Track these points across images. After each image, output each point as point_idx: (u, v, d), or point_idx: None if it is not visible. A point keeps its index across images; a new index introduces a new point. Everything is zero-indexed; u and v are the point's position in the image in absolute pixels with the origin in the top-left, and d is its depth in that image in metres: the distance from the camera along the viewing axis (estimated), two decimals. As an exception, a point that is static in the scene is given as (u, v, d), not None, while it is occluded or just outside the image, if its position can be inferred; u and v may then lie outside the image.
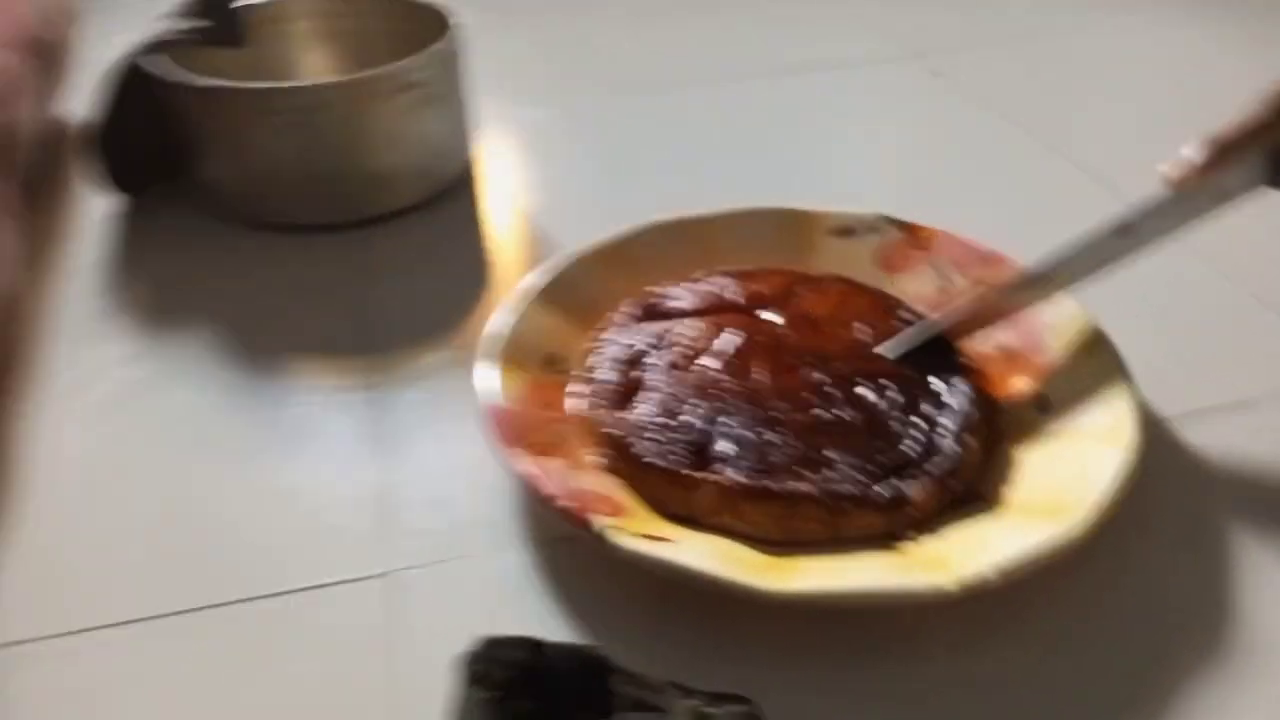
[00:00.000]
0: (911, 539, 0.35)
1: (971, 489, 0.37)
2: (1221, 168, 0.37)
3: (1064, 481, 0.35)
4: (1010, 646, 0.33)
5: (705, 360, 0.41)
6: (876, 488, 0.35)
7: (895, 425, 0.38)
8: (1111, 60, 0.80)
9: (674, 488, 0.36)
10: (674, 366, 0.41)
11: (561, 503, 0.34)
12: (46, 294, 0.52)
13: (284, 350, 0.48)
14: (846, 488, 0.35)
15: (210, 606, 0.35)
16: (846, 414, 0.38)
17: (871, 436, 0.37)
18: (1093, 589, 0.35)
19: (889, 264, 0.49)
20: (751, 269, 0.47)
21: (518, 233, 0.58)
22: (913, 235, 0.49)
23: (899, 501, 0.35)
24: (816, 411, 0.38)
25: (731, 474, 0.35)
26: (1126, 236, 0.39)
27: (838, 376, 0.40)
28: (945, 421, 0.38)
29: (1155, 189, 0.38)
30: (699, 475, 0.35)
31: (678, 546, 0.33)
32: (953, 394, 0.39)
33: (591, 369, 0.41)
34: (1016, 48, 0.82)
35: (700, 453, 0.36)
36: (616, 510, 0.35)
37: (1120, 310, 0.42)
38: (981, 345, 0.43)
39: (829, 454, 0.36)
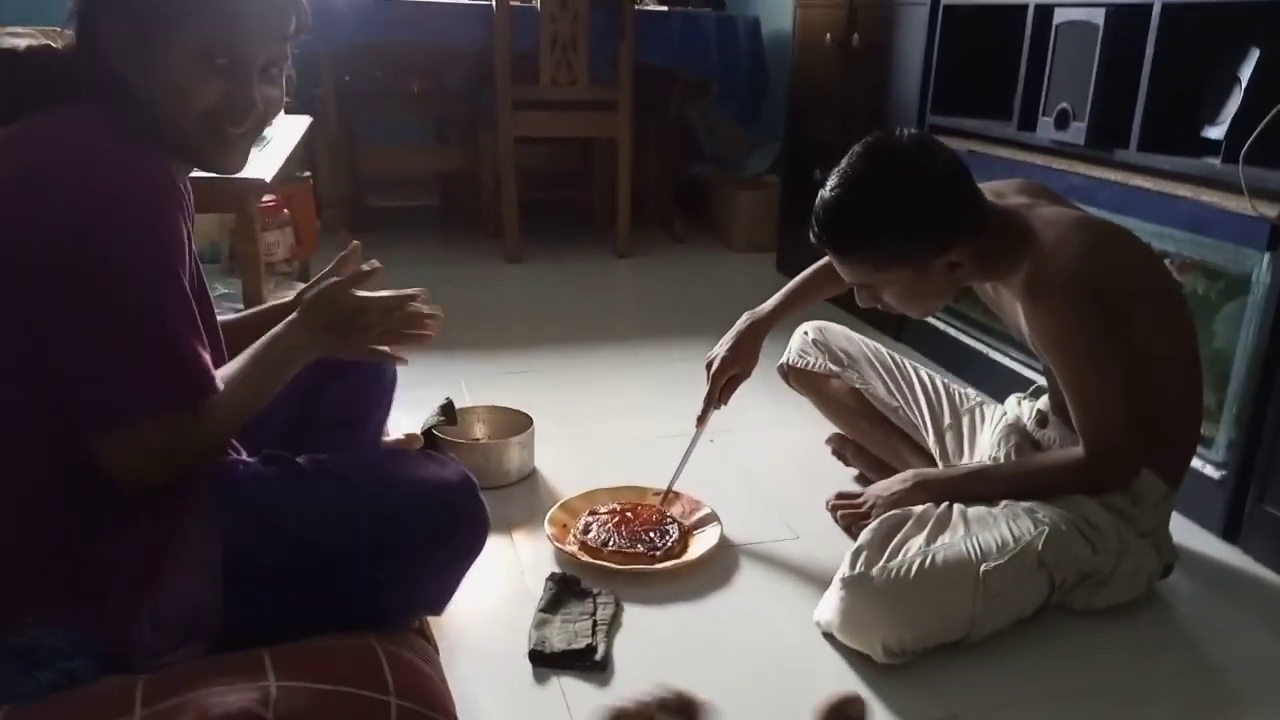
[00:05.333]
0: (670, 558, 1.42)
1: (678, 551, 1.45)
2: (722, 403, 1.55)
3: (703, 539, 1.44)
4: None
5: (605, 519, 1.49)
6: (657, 546, 1.43)
7: (658, 533, 1.46)
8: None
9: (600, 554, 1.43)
10: (603, 524, 1.48)
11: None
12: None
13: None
14: (651, 548, 1.43)
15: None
16: (650, 531, 1.46)
17: (651, 533, 1.45)
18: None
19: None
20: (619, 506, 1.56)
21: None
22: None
23: (668, 551, 1.42)
24: (639, 531, 1.46)
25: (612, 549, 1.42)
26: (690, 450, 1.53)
27: (645, 524, 1.48)
28: (671, 531, 1.46)
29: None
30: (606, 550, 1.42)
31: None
32: (673, 527, 1.48)
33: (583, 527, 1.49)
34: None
35: (606, 544, 1.43)
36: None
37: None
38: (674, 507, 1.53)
39: (641, 541, 1.44)
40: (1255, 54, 1.52)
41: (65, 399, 0.90)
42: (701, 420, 1.59)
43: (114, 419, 0.89)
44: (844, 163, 1.31)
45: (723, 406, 1.61)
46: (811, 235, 1.34)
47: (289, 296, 1.19)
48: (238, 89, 0.94)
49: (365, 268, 1.07)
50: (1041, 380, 1.81)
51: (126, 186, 0.88)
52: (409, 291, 1.07)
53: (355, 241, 1.22)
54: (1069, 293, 1.26)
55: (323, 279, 1.07)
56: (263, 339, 1.02)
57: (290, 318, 1.03)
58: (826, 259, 1.55)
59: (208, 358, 0.95)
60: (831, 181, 1.31)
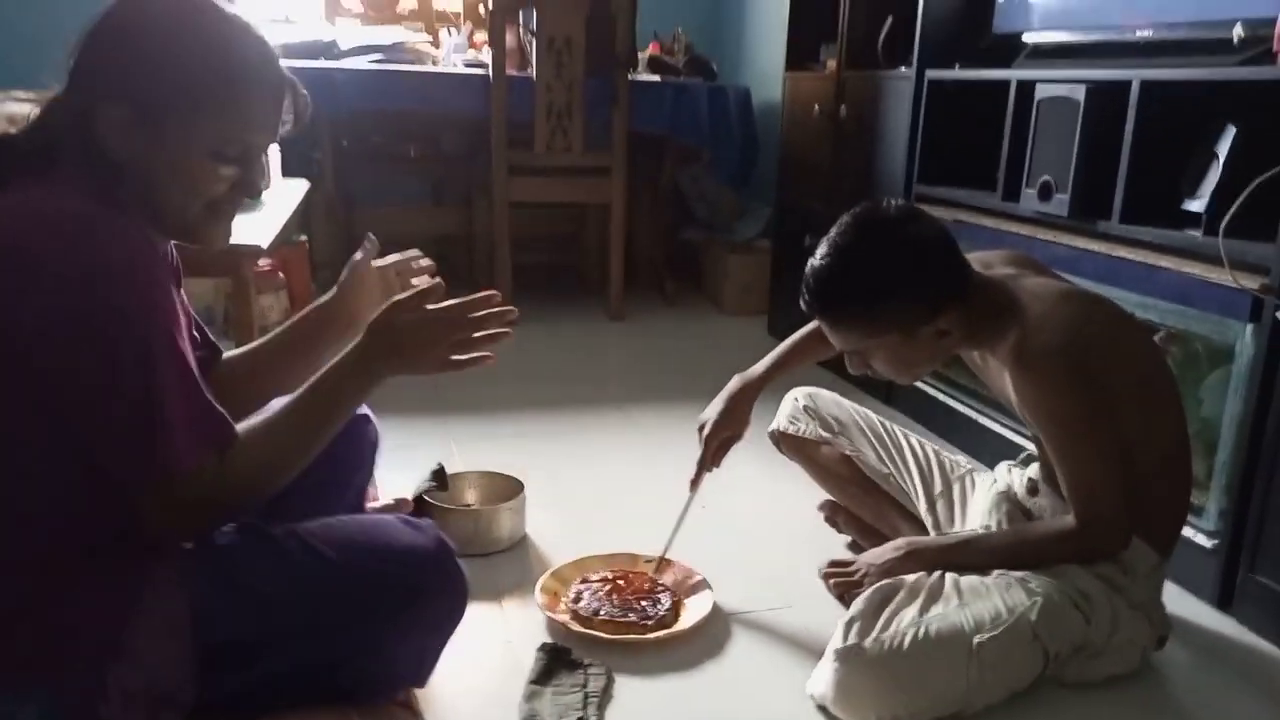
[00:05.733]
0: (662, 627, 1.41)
1: (670, 621, 1.43)
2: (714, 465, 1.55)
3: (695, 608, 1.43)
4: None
5: (596, 587, 1.47)
6: (649, 615, 1.41)
7: (651, 602, 1.44)
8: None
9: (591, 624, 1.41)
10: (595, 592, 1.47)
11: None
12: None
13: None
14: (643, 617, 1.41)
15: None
16: (642, 600, 1.45)
17: (643, 602, 1.44)
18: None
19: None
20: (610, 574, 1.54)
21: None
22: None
23: (660, 620, 1.41)
24: (631, 600, 1.45)
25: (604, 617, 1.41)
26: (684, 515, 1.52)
27: (637, 593, 1.47)
28: (663, 600, 1.45)
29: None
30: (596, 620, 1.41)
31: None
32: (665, 596, 1.47)
33: (574, 596, 1.47)
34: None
35: (597, 613, 1.42)
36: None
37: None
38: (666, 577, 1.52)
39: (634, 610, 1.42)
40: (1231, 131, 1.56)
41: (66, 461, 0.89)
42: (694, 483, 1.59)
43: (153, 473, 0.89)
44: (833, 232, 1.34)
45: (715, 469, 1.61)
46: (802, 303, 1.36)
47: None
48: (244, 177, 0.97)
49: (423, 284, 1.04)
50: (1031, 447, 1.82)
51: (112, 257, 0.87)
52: (478, 296, 1.04)
53: (370, 235, 1.22)
54: (1057, 364, 1.28)
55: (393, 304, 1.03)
56: (320, 374, 0.99)
57: (350, 347, 1.00)
58: (816, 323, 1.58)
59: (210, 399, 0.93)
60: (821, 250, 1.33)
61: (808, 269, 1.34)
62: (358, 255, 1.23)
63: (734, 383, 1.62)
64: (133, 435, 0.89)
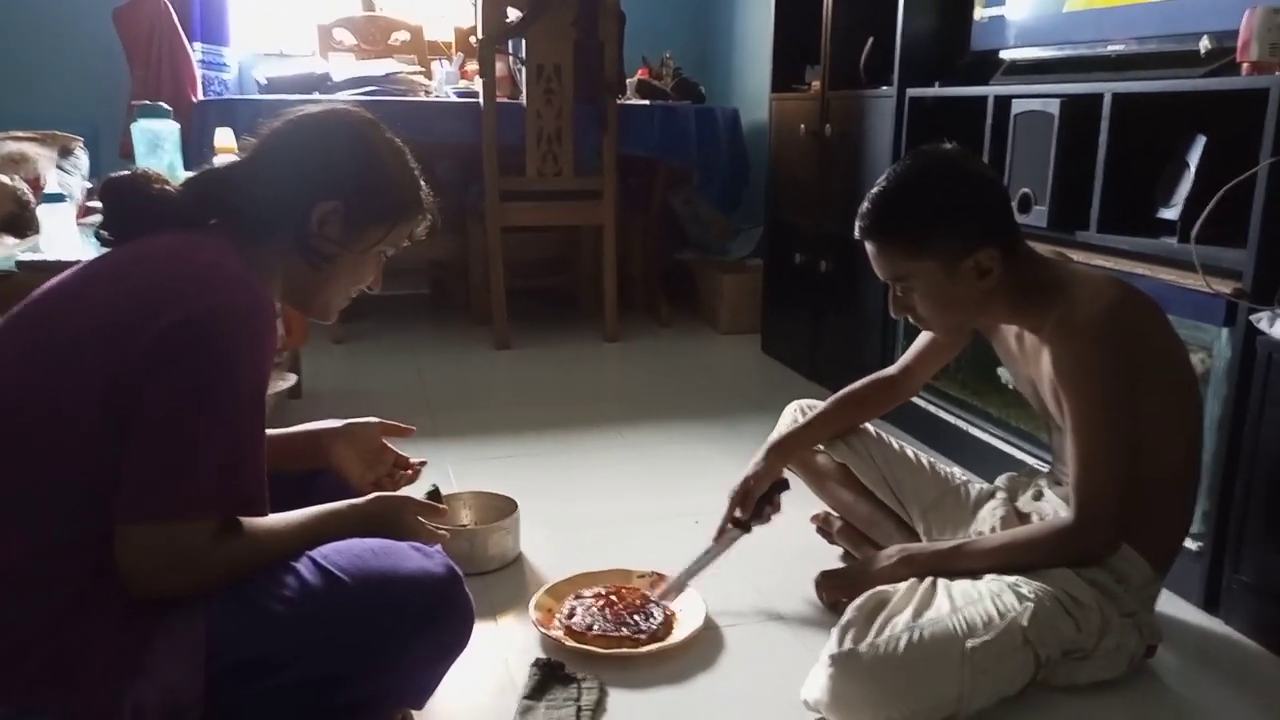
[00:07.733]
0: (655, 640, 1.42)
1: (663, 634, 1.45)
2: (741, 513, 1.54)
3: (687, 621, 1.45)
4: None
5: (590, 603, 1.50)
6: (642, 629, 1.43)
7: (643, 615, 1.46)
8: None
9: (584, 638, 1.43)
10: (588, 607, 1.49)
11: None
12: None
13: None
14: (636, 631, 1.43)
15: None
16: (635, 614, 1.47)
17: (636, 616, 1.46)
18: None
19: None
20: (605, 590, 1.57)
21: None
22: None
23: (653, 633, 1.43)
24: (624, 614, 1.47)
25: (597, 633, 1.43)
26: (706, 560, 1.53)
27: (629, 607, 1.49)
28: (655, 613, 1.47)
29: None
30: (589, 634, 1.43)
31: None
32: (657, 609, 1.49)
33: (567, 612, 1.49)
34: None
35: (590, 627, 1.44)
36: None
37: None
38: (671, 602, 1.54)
39: (626, 624, 1.44)
40: (1202, 140, 1.59)
41: (111, 482, 0.92)
42: (717, 536, 1.61)
43: (162, 508, 0.92)
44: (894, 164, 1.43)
45: (761, 523, 1.62)
46: (856, 230, 1.39)
47: (330, 422, 1.36)
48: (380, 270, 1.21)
49: (437, 504, 1.23)
50: (1028, 460, 1.83)
51: (246, 303, 0.99)
52: (446, 532, 1.23)
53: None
54: (1100, 337, 1.29)
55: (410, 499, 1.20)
56: (323, 511, 1.09)
57: (356, 507, 1.13)
58: (841, 393, 1.67)
59: (264, 482, 1.00)
60: (880, 179, 1.40)
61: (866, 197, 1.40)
62: (371, 420, 1.38)
63: (761, 450, 1.65)
64: (173, 458, 0.93)
